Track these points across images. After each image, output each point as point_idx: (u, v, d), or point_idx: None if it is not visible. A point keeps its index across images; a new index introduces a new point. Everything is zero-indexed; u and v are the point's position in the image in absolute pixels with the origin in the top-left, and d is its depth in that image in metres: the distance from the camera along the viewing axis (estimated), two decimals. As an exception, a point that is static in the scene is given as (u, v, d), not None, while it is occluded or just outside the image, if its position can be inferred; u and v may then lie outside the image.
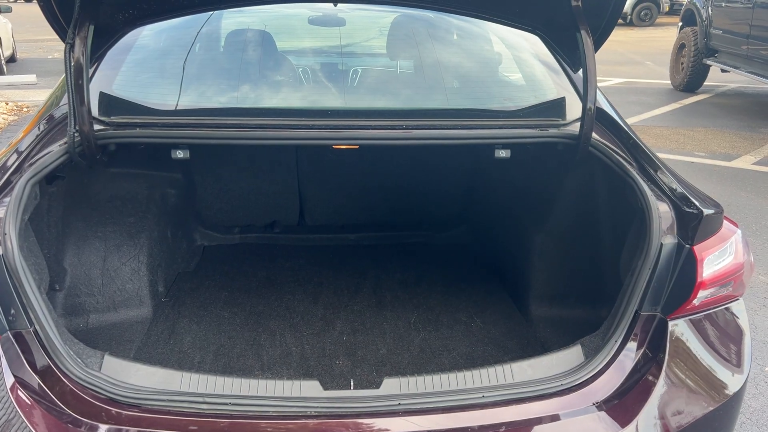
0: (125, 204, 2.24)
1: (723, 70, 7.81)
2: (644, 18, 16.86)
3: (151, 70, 1.98)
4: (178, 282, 2.49)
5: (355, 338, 2.16)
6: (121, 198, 2.24)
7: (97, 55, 1.87)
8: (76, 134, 1.62)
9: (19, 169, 1.60)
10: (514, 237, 2.41)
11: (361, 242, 2.91)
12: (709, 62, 8.01)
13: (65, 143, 1.64)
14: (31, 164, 1.60)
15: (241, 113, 1.81)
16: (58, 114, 1.81)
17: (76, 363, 1.41)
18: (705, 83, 8.48)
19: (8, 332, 1.41)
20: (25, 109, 7.72)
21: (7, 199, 1.50)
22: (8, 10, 10.76)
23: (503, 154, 1.83)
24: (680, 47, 8.53)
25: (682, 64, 8.50)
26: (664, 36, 14.30)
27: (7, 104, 7.82)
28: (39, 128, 1.76)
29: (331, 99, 1.98)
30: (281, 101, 1.93)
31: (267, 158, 2.71)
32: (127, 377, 1.44)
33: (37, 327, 1.40)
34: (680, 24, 8.73)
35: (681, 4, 12.97)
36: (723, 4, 7.69)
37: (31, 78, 9.35)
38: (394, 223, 2.95)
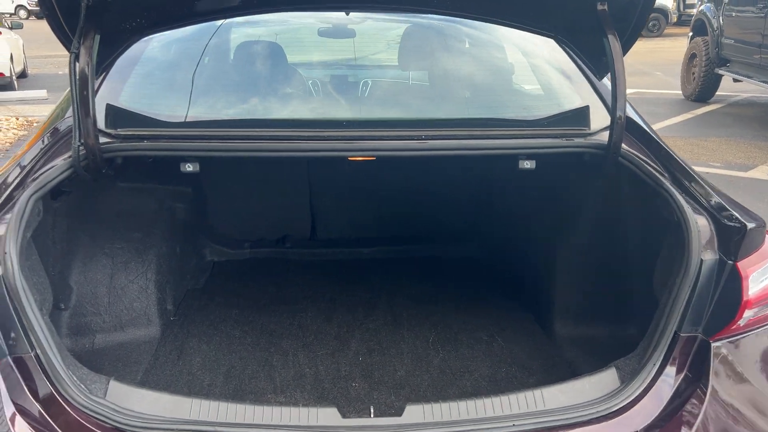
0: (132, 219, 2.18)
1: (735, 80, 7.74)
2: (652, 29, 16.81)
3: (158, 81, 1.92)
4: (187, 299, 2.41)
5: (371, 359, 2.06)
6: (128, 213, 2.17)
7: (103, 65, 1.82)
8: (81, 147, 1.56)
9: (21, 185, 1.54)
10: (534, 251, 2.31)
11: (374, 256, 2.83)
12: (720, 72, 7.93)
13: (70, 157, 1.57)
14: (34, 179, 1.54)
15: (253, 125, 1.74)
16: (63, 127, 1.76)
17: (80, 389, 1.33)
18: (717, 93, 8.39)
19: (8, 357, 1.33)
20: (35, 124, 7.73)
21: (8, 216, 1.43)
22: (19, 26, 10.88)
23: (528, 164, 1.75)
24: (691, 57, 8.45)
25: (694, 74, 8.42)
26: (673, 46, 14.23)
27: (17, 119, 7.85)
28: (43, 142, 1.70)
29: (345, 110, 1.92)
30: (294, 112, 1.86)
31: (278, 171, 2.64)
32: (133, 404, 1.35)
33: (38, 351, 1.33)
34: (691, 34, 8.66)
35: (690, 15, 12.91)
36: (734, 14, 7.62)
37: (41, 93, 9.41)
38: (407, 236, 2.86)
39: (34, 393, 1.31)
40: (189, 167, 1.69)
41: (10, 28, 10.60)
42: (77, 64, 1.52)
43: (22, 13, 23.34)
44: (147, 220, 2.21)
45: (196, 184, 2.49)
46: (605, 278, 2.02)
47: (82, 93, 1.51)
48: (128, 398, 1.37)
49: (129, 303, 2.10)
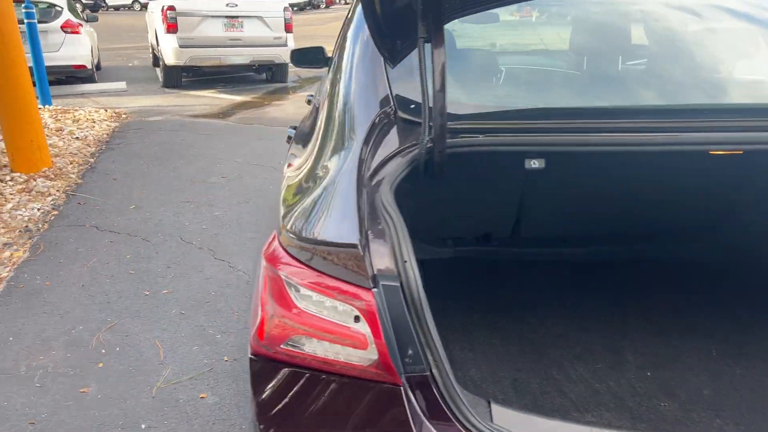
0: None
1: None
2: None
3: (470, 69, 1.74)
4: None
5: (659, 374, 1.87)
6: None
7: (406, 54, 1.65)
8: (429, 142, 1.40)
9: (363, 184, 1.39)
10: None
11: (588, 258, 2.62)
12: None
13: (409, 151, 1.41)
14: (371, 176, 1.39)
15: (593, 115, 1.56)
16: (374, 115, 1.60)
17: (472, 414, 1.17)
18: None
19: (403, 376, 1.19)
20: (123, 116, 7.75)
21: (377, 221, 1.28)
22: (95, 19, 10.96)
23: None
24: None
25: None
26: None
27: (106, 111, 7.86)
28: (366, 135, 1.54)
29: (688, 95, 1.71)
30: (635, 99, 1.67)
31: (496, 164, 2.45)
32: (524, 431, 1.20)
33: (435, 371, 1.18)
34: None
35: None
36: None
37: (121, 85, 9.46)
38: (621, 235, 2.64)
39: (434, 418, 1.16)
40: (534, 164, 1.51)
41: (87, 21, 10.67)
42: (432, 51, 1.35)
43: (78, 6, 23.66)
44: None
45: (416, 181, 2.33)
46: None
47: (440, 86, 1.34)
48: (517, 424, 1.22)
49: None
